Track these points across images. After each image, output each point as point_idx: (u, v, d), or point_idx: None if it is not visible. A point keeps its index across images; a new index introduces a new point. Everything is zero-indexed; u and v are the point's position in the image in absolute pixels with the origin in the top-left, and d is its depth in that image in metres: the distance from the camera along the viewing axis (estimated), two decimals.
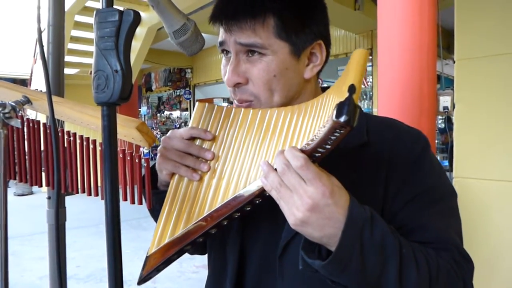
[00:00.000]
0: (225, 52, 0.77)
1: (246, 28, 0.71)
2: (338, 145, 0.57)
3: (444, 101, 3.26)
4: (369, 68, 7.53)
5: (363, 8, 5.92)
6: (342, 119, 0.48)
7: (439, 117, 8.06)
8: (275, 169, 0.58)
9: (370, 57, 7.41)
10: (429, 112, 2.98)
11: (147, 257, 0.72)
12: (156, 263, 0.71)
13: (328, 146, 0.54)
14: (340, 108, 0.48)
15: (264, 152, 0.67)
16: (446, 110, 3.22)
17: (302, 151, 0.57)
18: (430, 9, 2.89)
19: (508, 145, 1.73)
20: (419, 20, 2.86)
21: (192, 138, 0.75)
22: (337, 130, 0.50)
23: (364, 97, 7.88)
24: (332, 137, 0.52)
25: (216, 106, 0.76)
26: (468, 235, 2.03)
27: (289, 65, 0.73)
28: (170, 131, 0.76)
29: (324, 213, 0.56)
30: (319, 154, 0.56)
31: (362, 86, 7.71)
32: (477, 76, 1.81)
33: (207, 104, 0.77)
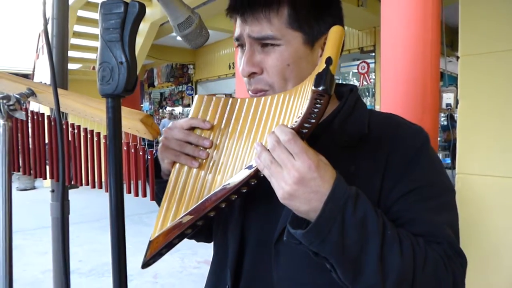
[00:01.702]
0: (241, 46, 0.78)
1: (261, 18, 0.72)
2: (336, 137, 0.58)
3: (447, 98, 3.26)
4: (372, 65, 7.51)
5: (366, 4, 5.90)
6: (320, 87, 0.52)
7: (442, 114, 8.04)
8: (268, 150, 0.61)
9: (373, 54, 7.39)
10: (431, 109, 2.96)
11: (150, 242, 0.75)
12: (159, 247, 0.73)
13: (312, 120, 0.58)
14: (318, 78, 0.53)
15: (259, 138, 0.70)
16: (449, 107, 3.21)
17: (291, 128, 0.60)
18: (434, 6, 2.87)
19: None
20: (423, 17, 2.84)
21: (192, 128, 0.77)
22: (317, 100, 0.54)
23: (367, 94, 7.87)
24: (315, 109, 0.56)
25: (214, 97, 0.79)
26: (470, 231, 2.04)
27: (303, 54, 0.74)
28: (171, 122, 0.79)
29: (311, 187, 0.59)
30: (306, 130, 0.59)
31: (365, 83, 7.74)
32: (481, 72, 1.80)
33: (206, 96, 0.80)
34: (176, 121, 0.78)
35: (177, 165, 0.77)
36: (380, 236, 0.60)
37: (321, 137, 0.75)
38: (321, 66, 0.55)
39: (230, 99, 0.77)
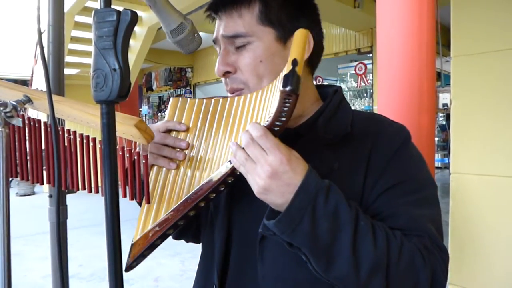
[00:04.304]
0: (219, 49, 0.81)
1: (232, 13, 0.75)
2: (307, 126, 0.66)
3: (444, 98, 3.28)
4: (370, 66, 7.53)
5: (362, 5, 5.91)
6: (288, 88, 0.55)
7: (440, 114, 8.06)
8: (243, 148, 0.63)
9: (370, 55, 7.41)
10: (428, 109, 2.98)
11: (132, 245, 0.76)
12: (141, 249, 0.75)
13: (283, 118, 0.60)
14: (286, 79, 0.56)
15: (233, 136, 0.72)
16: (446, 107, 3.23)
17: (263, 126, 0.63)
18: (429, 7, 2.89)
19: (505, 140, 1.74)
20: (418, 17, 2.86)
21: (168, 131, 0.79)
22: (286, 100, 0.57)
23: (365, 95, 7.88)
24: (285, 108, 0.58)
25: (188, 100, 0.80)
26: (465, 230, 2.04)
27: (275, 50, 0.76)
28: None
29: (284, 180, 0.61)
30: (278, 128, 0.62)
31: (363, 84, 7.75)
32: (474, 73, 1.82)
33: (180, 98, 0.81)
34: (152, 125, 0.80)
35: (155, 167, 0.79)
36: (353, 227, 0.62)
37: (306, 135, 0.77)
38: (288, 67, 0.58)
39: (204, 100, 0.79)
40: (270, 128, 0.62)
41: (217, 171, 0.69)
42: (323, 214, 0.61)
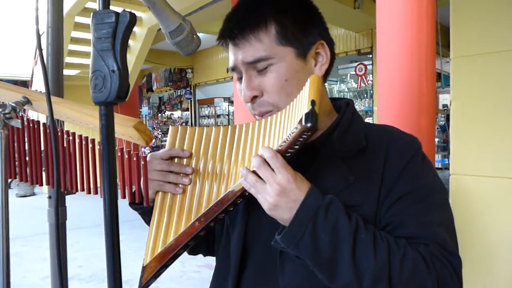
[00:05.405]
0: (239, 79, 0.81)
1: (251, 38, 0.75)
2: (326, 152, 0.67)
3: (444, 99, 3.29)
4: (370, 67, 7.53)
5: (362, 6, 5.92)
6: (309, 124, 0.62)
7: (440, 115, 8.05)
8: (252, 171, 0.69)
9: (371, 56, 7.41)
10: (428, 110, 2.98)
11: (143, 267, 0.79)
12: (153, 271, 0.78)
13: (296, 146, 0.66)
14: (307, 116, 0.62)
15: (237, 160, 0.76)
16: (446, 108, 3.24)
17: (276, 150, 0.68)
18: (428, 7, 2.89)
19: (505, 141, 1.74)
20: (418, 18, 2.86)
21: (171, 158, 0.81)
22: (305, 133, 0.64)
23: (365, 95, 7.88)
24: (300, 139, 0.65)
25: (188, 128, 0.83)
26: (465, 232, 2.05)
27: (298, 67, 0.77)
28: (149, 154, 0.82)
29: (290, 197, 0.66)
30: (289, 154, 0.68)
31: (363, 85, 7.76)
32: (473, 74, 1.81)
33: (180, 127, 0.84)
34: (154, 153, 0.81)
35: (160, 193, 0.81)
36: (352, 240, 0.66)
37: (322, 150, 0.79)
38: (308, 107, 0.64)
39: (205, 128, 0.82)
40: (282, 154, 0.67)
41: (226, 193, 0.73)
42: (323, 229, 0.66)
